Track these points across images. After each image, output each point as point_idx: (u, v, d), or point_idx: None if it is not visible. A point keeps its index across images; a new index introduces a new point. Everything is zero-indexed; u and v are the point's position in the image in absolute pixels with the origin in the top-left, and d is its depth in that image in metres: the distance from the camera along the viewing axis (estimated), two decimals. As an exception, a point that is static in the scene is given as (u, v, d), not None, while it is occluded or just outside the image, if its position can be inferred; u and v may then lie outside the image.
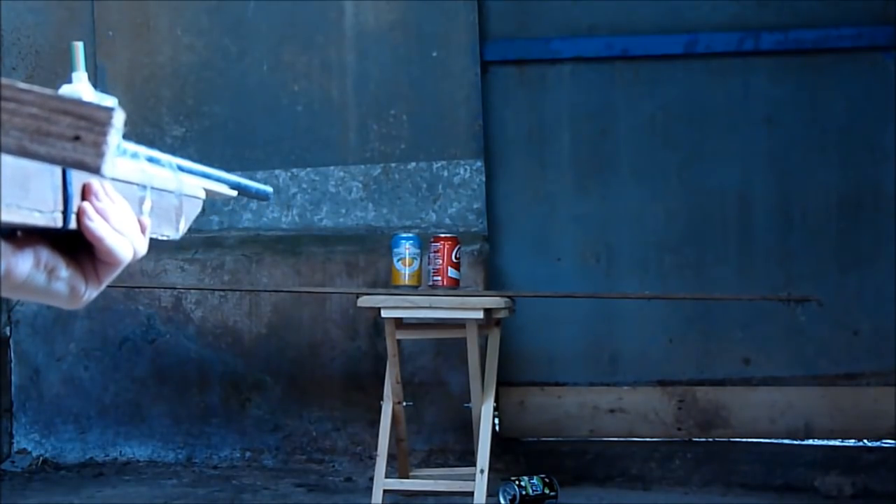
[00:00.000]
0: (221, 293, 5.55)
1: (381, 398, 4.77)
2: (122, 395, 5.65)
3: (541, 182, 5.57)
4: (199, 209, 1.28)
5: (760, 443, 5.41)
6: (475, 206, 5.56)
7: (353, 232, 5.62)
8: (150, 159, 1.14)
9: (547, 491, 4.91)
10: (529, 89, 5.57)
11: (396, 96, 5.59)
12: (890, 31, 5.39)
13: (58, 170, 0.99)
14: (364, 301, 4.67)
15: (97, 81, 5.72)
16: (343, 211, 5.63)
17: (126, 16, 5.70)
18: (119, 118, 0.93)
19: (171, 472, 5.50)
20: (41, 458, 5.67)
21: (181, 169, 1.21)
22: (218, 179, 1.30)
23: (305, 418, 5.56)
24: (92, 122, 0.92)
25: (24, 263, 1.02)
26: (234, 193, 1.35)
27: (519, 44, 5.56)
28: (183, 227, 1.25)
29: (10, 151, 0.90)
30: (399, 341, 4.74)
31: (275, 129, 5.65)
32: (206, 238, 5.59)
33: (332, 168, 5.64)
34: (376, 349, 5.41)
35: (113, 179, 1.06)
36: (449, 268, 4.76)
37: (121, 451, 5.65)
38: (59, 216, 1.01)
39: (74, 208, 1.03)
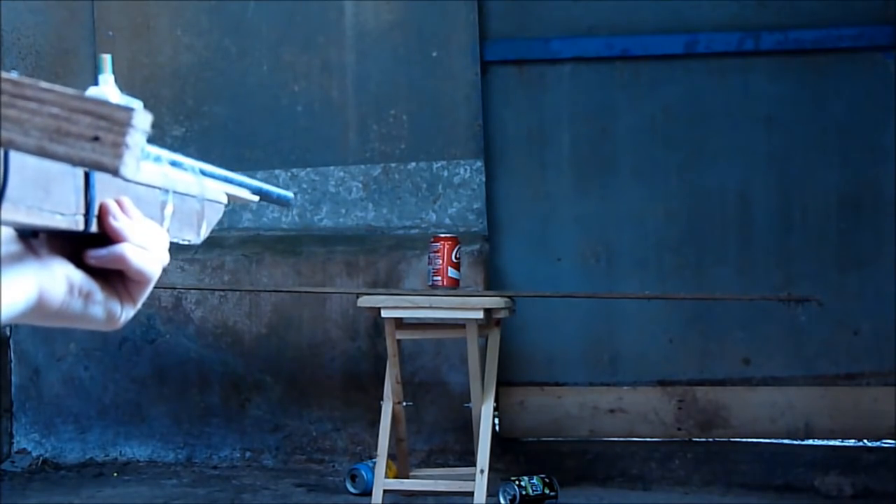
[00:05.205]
0: (221, 293, 5.55)
1: (381, 398, 4.77)
2: (122, 395, 5.65)
3: (541, 182, 5.57)
4: (220, 214, 1.26)
5: (760, 443, 5.41)
6: (475, 206, 5.56)
7: (353, 232, 5.62)
8: (173, 163, 1.12)
9: (547, 491, 4.91)
10: (529, 89, 5.57)
11: (396, 96, 5.59)
12: (890, 31, 5.39)
13: (80, 172, 0.97)
14: (364, 301, 4.67)
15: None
16: (343, 211, 5.63)
17: (126, 16, 5.70)
18: (142, 119, 0.90)
19: (171, 472, 5.50)
20: (41, 458, 5.66)
21: (203, 173, 1.19)
22: (240, 184, 1.28)
23: (305, 418, 5.56)
24: (112, 122, 0.90)
25: (58, 289, 0.99)
26: (256, 198, 1.33)
27: (519, 44, 5.56)
28: (205, 232, 1.23)
29: (30, 151, 0.88)
30: (399, 341, 4.73)
31: (275, 129, 5.65)
32: (206, 238, 5.58)
33: (332, 168, 5.64)
34: (376, 349, 5.41)
35: (136, 183, 1.04)
36: (449, 268, 4.76)
37: (121, 451, 5.65)
38: (81, 219, 0.98)
39: (97, 211, 1.01)
